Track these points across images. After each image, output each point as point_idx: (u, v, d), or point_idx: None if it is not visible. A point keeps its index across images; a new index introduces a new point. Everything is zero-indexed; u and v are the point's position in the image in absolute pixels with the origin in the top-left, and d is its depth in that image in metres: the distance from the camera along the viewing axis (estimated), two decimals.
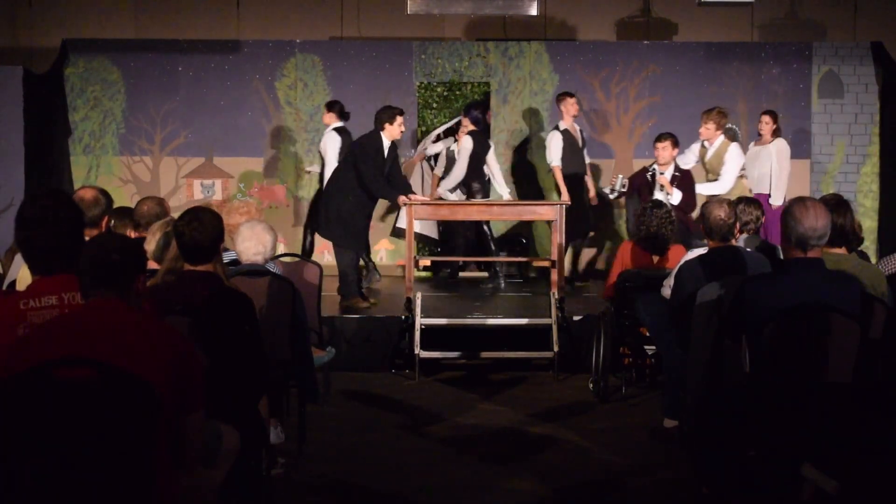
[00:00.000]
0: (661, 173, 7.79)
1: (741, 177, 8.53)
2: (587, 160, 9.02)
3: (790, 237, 3.64)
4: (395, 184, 7.75)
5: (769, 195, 8.37)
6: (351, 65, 9.99)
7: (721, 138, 8.20)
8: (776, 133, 8.67)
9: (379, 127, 7.69)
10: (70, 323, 2.71)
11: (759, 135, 8.73)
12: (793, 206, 3.67)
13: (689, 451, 4.81)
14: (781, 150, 8.58)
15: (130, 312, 2.74)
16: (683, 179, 7.83)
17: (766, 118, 8.76)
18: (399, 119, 7.68)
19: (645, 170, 8.00)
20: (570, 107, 8.72)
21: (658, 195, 7.62)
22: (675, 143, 7.90)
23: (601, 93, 10.03)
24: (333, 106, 8.76)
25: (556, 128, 8.73)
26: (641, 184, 7.97)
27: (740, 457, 3.65)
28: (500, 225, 9.53)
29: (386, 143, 7.69)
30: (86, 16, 10.34)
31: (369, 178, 7.61)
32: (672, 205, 7.31)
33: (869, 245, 9.52)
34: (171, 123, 9.99)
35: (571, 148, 8.69)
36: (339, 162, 8.10)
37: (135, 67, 9.99)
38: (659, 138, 7.94)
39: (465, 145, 8.56)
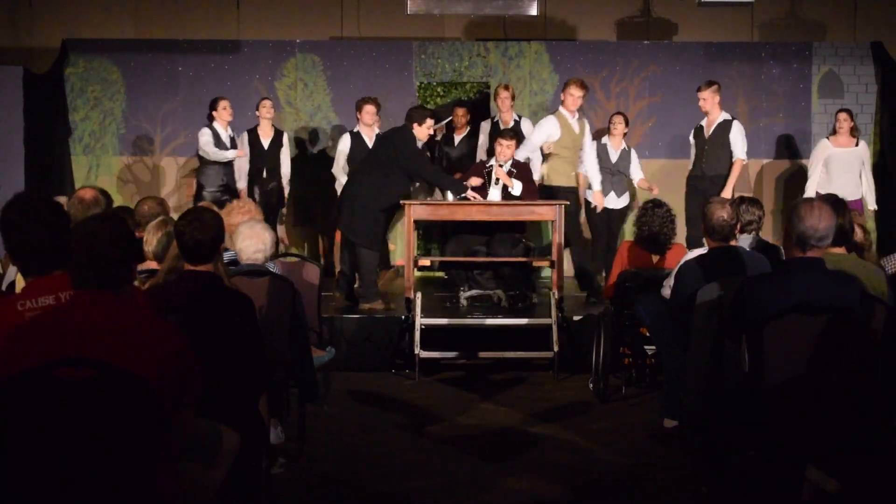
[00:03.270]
0: (501, 165, 7.76)
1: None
2: None
3: (791, 235, 3.64)
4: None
5: (859, 200, 8.38)
6: (351, 65, 9.99)
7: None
8: (854, 132, 8.54)
9: (409, 124, 7.61)
10: (62, 320, 2.69)
11: (834, 132, 8.64)
12: (799, 205, 3.68)
13: (689, 451, 4.81)
14: (867, 154, 8.60)
15: (123, 307, 2.73)
16: (521, 171, 7.82)
17: (844, 115, 8.53)
18: (429, 122, 7.62)
19: (483, 164, 7.92)
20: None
21: (494, 190, 7.67)
22: (518, 143, 7.91)
23: (601, 93, 10.03)
24: None
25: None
26: (477, 177, 7.81)
27: (740, 457, 3.65)
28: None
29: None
30: (86, 16, 10.34)
31: (430, 172, 7.68)
32: (514, 195, 7.62)
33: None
34: (171, 123, 9.99)
35: None
36: (360, 161, 8.04)
37: (135, 67, 9.99)
38: (504, 135, 7.83)
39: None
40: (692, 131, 8.58)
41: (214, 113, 8.87)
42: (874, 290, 4.06)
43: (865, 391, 3.46)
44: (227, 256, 4.70)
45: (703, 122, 8.38)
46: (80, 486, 2.54)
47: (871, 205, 8.58)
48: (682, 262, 5.06)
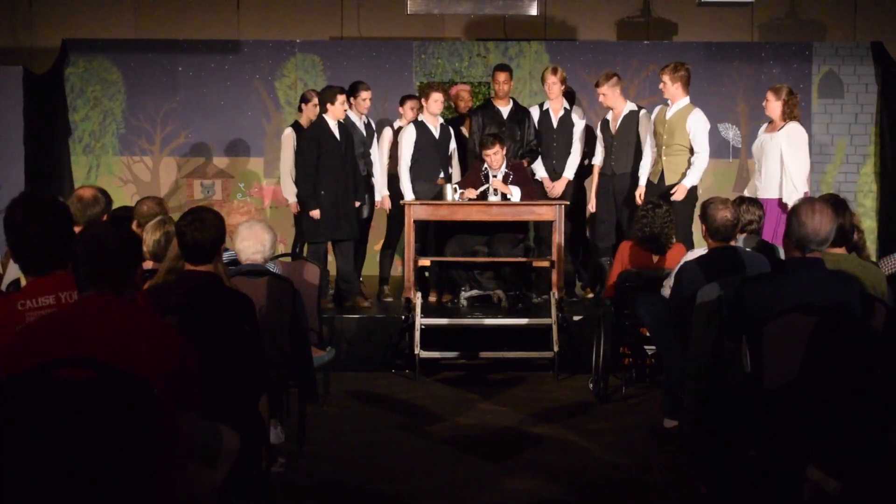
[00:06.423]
0: (495, 175, 7.70)
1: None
2: None
3: (792, 237, 3.63)
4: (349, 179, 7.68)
5: (774, 200, 6.81)
6: (351, 65, 9.99)
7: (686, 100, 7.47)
8: (788, 115, 6.88)
9: (323, 110, 7.61)
10: (66, 321, 2.70)
11: (771, 120, 7.08)
12: (801, 206, 3.66)
13: (689, 451, 4.81)
14: (792, 134, 6.83)
15: (126, 309, 2.73)
16: (517, 175, 7.75)
17: (768, 94, 7.01)
18: (340, 98, 7.53)
19: (479, 168, 7.81)
20: None
21: (493, 199, 7.59)
22: (503, 145, 7.66)
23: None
24: None
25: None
26: (475, 184, 7.72)
27: (740, 457, 3.65)
28: None
29: (332, 125, 7.55)
30: (86, 16, 10.34)
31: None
32: (514, 201, 7.53)
33: (869, 245, 9.50)
34: (171, 123, 9.99)
35: None
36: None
37: (135, 67, 10.00)
38: (486, 144, 7.55)
39: None
40: (598, 125, 8.05)
41: (352, 100, 7.88)
42: (874, 290, 4.06)
43: (865, 391, 3.46)
44: (226, 256, 4.70)
45: (609, 116, 7.87)
46: (80, 487, 2.54)
47: (789, 198, 6.64)
48: (681, 262, 5.07)
